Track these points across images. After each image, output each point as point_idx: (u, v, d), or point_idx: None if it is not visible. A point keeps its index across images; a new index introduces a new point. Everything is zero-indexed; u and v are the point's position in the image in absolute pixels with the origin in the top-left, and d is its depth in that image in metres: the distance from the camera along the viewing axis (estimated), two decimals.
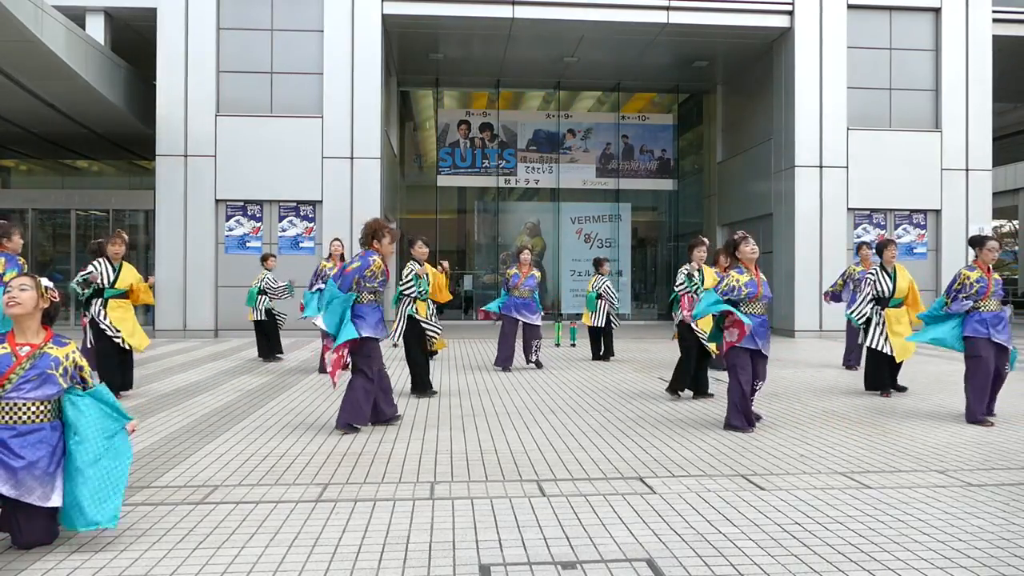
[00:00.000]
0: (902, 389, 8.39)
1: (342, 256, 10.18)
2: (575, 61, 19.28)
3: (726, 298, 6.15)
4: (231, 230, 15.71)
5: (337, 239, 10.49)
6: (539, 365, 10.40)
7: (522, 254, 10.58)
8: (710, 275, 7.97)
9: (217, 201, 15.58)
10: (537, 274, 10.56)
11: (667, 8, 16.18)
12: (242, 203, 15.72)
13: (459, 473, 4.81)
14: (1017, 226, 40.45)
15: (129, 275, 7.79)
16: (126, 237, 7.90)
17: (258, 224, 15.75)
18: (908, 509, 4.08)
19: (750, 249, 6.27)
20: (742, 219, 19.28)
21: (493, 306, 10.66)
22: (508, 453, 5.37)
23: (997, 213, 39.78)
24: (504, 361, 10.31)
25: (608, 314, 11.55)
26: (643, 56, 18.78)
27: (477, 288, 23.06)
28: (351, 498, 4.24)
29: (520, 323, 10.37)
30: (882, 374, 8.19)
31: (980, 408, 6.53)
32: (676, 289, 8.27)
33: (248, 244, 15.64)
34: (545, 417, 6.79)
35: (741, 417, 6.15)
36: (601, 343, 11.75)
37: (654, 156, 22.74)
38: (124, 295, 7.75)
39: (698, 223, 22.65)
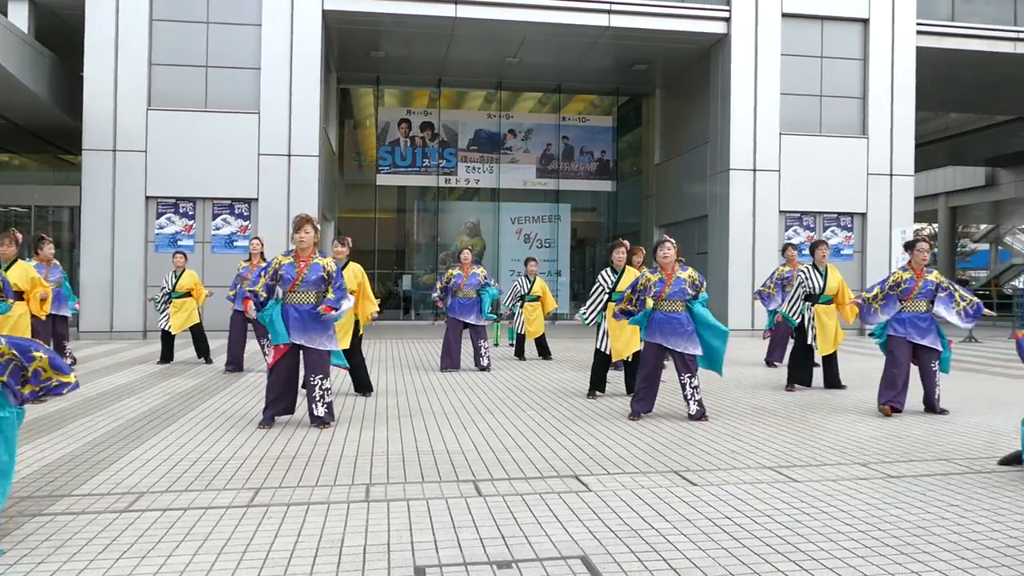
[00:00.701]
0: (842, 387, 8.65)
1: (261, 255, 9.94)
2: (517, 62, 19.35)
3: (643, 295, 6.80)
4: (162, 228, 15.28)
5: (257, 237, 10.18)
6: (488, 367, 10.19)
7: (462, 255, 10.52)
8: (631, 274, 8.02)
9: (147, 198, 15.13)
10: (479, 271, 10.41)
11: (608, 12, 16.38)
12: (174, 200, 15.30)
13: (395, 474, 4.78)
14: (937, 229, 42.21)
15: (13, 275, 7.20)
16: (19, 237, 7.37)
17: (190, 222, 15.35)
18: (832, 501, 4.21)
19: (662, 254, 6.77)
20: (679, 220, 19.64)
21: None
22: (445, 453, 5.36)
23: (918, 217, 41.43)
24: (450, 365, 10.19)
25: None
26: (584, 58, 18.97)
27: (416, 288, 22.94)
28: (284, 502, 4.17)
29: (464, 325, 10.28)
30: (807, 369, 8.50)
31: (887, 396, 6.91)
32: (589, 311, 8.12)
33: (180, 243, 15.23)
34: (482, 416, 6.80)
35: (635, 402, 6.71)
36: (523, 343, 11.89)
37: (594, 157, 22.99)
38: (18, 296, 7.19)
39: (636, 224, 22.98)
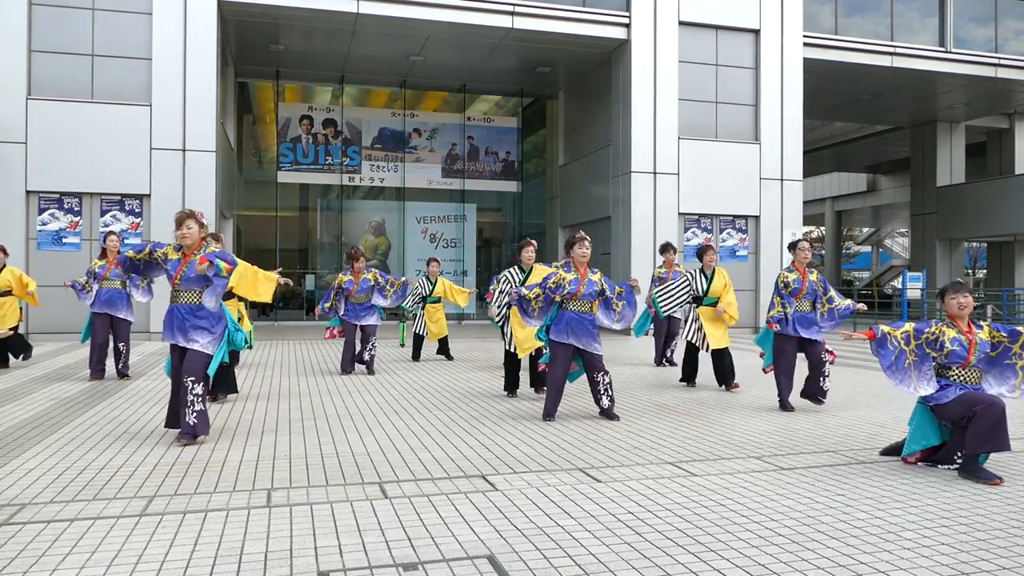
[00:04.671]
0: (725, 386, 8.97)
1: (119, 253, 9.31)
2: (421, 60, 19.23)
3: (553, 294, 6.66)
4: (44, 224, 14.41)
5: (113, 233, 9.49)
6: (370, 370, 9.91)
7: (356, 263, 9.94)
8: (539, 272, 8.04)
9: (28, 192, 14.24)
10: (369, 275, 9.95)
11: (512, 13, 16.49)
12: (58, 195, 14.45)
13: (298, 478, 4.67)
14: (824, 232, 44.52)
15: None
16: None
17: (77, 219, 14.54)
18: (728, 494, 4.38)
19: (581, 252, 6.74)
20: (583, 221, 19.97)
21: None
22: (350, 455, 5.27)
23: (808, 220, 43.67)
24: (347, 365, 9.93)
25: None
26: (488, 59, 19.03)
27: (320, 288, 22.48)
28: (179, 510, 4.01)
29: (358, 327, 10.00)
30: (693, 367, 8.91)
31: (787, 395, 7.28)
32: (499, 309, 8.11)
33: (65, 240, 14.41)
34: (388, 418, 6.73)
35: (551, 406, 6.67)
36: (421, 345, 11.74)
37: (499, 158, 23.10)
38: None
39: (541, 224, 23.23)
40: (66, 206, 14.52)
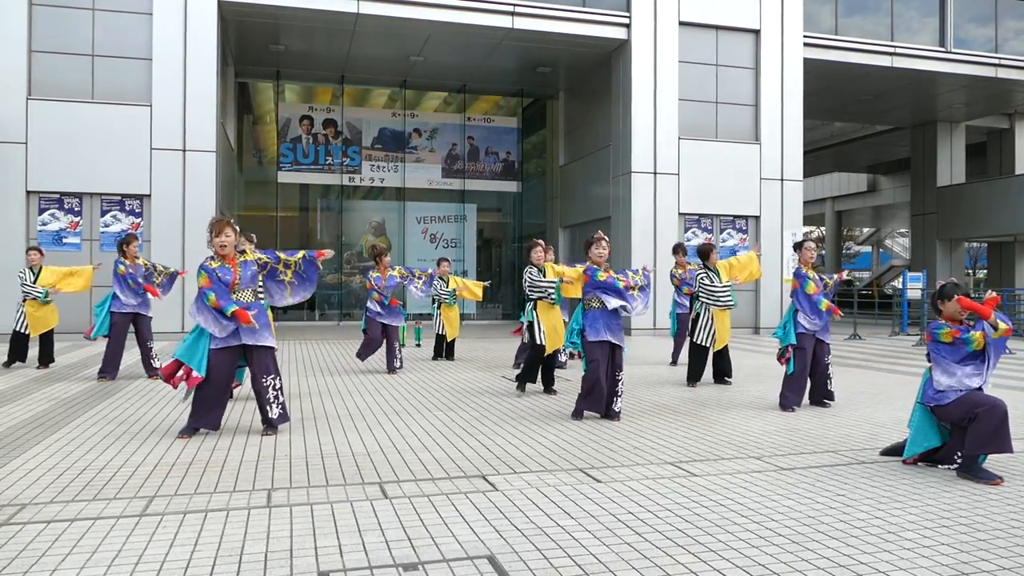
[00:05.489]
0: (727, 382, 9.04)
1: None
2: (421, 60, 19.23)
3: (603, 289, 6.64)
4: (45, 224, 14.41)
5: (135, 236, 9.35)
6: (392, 369, 9.97)
7: (385, 258, 10.13)
8: (551, 271, 8.13)
9: (28, 193, 14.24)
10: (395, 272, 10.13)
11: (512, 13, 16.49)
12: (58, 195, 14.46)
13: (298, 478, 4.67)
14: (824, 232, 44.53)
15: None
16: None
17: (77, 219, 14.54)
18: (729, 494, 4.38)
19: (598, 253, 6.80)
20: (583, 221, 19.99)
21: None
22: (350, 455, 5.27)
23: (808, 220, 43.67)
24: (365, 354, 10.02)
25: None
26: (489, 59, 19.03)
27: (320, 289, 22.48)
28: (180, 510, 4.01)
29: (384, 326, 9.99)
30: (702, 367, 8.93)
31: (795, 398, 7.21)
32: (533, 286, 8.12)
33: (65, 240, 14.41)
34: (388, 418, 6.73)
35: (587, 404, 6.64)
36: (443, 344, 11.81)
37: (499, 158, 23.10)
38: None
39: (541, 224, 23.23)
40: (66, 206, 14.52)
